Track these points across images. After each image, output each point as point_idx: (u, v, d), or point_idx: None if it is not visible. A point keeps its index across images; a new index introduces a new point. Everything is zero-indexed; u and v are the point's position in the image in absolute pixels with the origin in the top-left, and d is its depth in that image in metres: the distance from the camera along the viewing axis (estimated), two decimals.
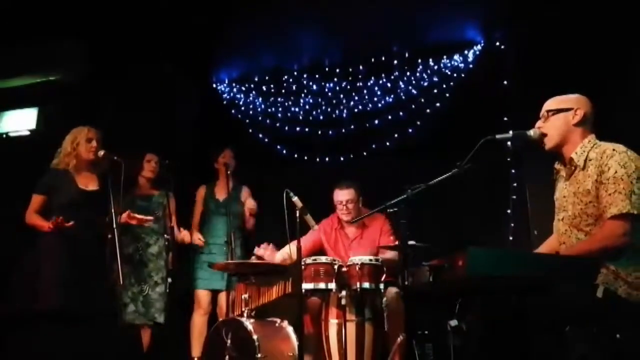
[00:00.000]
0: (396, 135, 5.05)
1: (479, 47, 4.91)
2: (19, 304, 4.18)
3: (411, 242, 2.95)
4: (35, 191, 3.74)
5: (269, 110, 5.51)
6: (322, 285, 3.47)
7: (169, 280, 4.06)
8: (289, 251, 3.70)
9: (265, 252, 3.83)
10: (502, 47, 4.79)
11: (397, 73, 5.11)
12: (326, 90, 5.35)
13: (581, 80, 3.52)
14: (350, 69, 5.29)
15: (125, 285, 3.90)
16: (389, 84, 5.13)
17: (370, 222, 4.05)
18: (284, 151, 5.42)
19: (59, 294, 3.48)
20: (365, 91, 5.21)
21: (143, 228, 4.21)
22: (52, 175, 3.77)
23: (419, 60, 5.06)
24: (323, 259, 3.59)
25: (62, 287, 3.49)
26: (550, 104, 2.57)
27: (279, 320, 3.68)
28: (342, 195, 4.00)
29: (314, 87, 5.40)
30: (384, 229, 4.02)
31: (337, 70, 5.35)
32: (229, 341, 3.43)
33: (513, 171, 4.62)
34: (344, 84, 5.30)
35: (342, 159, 5.22)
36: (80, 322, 3.46)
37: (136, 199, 4.32)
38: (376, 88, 5.17)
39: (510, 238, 4.50)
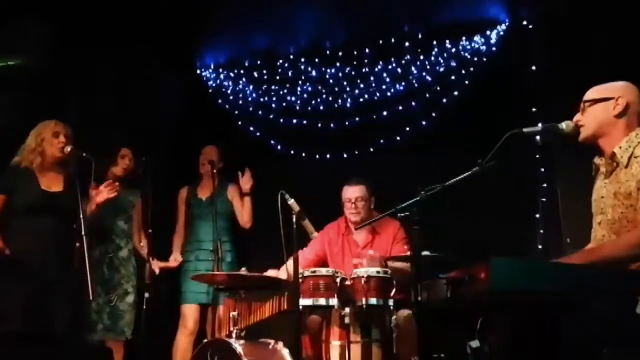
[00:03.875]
0: (408, 129, 5.06)
1: (503, 26, 4.91)
2: None
3: (425, 252, 2.94)
4: None
5: (262, 99, 5.51)
6: (322, 302, 3.46)
7: (147, 295, 4.07)
8: (288, 269, 3.68)
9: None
10: (530, 26, 4.80)
11: (408, 57, 5.11)
12: (327, 76, 5.36)
13: (622, 65, 3.52)
14: (355, 52, 5.30)
15: (95, 299, 3.89)
16: (399, 70, 5.13)
17: (382, 229, 4.06)
18: (279, 146, 5.42)
19: (17, 313, 3.47)
20: (372, 78, 5.21)
21: (113, 229, 4.25)
22: (12, 174, 3.77)
23: (434, 42, 5.06)
24: (323, 271, 3.58)
25: (19, 305, 3.48)
26: (589, 93, 2.56)
27: (272, 342, 3.68)
28: (352, 192, 4.03)
29: (313, 73, 5.41)
30: (398, 236, 4.03)
31: (340, 54, 5.35)
32: None
33: (542, 170, 4.62)
34: (347, 69, 5.30)
35: (345, 155, 5.22)
36: (41, 343, 3.45)
37: None
38: (385, 74, 5.17)
39: (539, 247, 4.50)
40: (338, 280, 3.50)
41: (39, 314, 3.50)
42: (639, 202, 2.32)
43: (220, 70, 5.71)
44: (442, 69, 5.00)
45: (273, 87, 5.49)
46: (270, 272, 3.86)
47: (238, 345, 3.45)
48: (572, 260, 2.34)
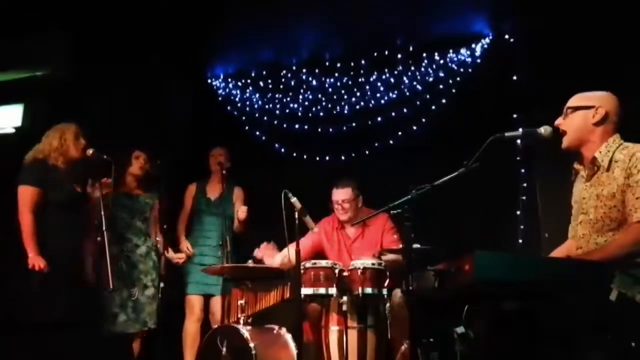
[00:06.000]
0: (400, 133, 5.05)
1: (487, 40, 4.90)
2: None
3: (415, 245, 2.94)
4: (27, 182, 3.59)
5: (267, 106, 5.51)
6: (322, 291, 3.47)
7: (162, 285, 4.07)
8: (287, 254, 3.70)
9: (265, 252, 3.82)
10: (512, 40, 4.79)
11: (400, 68, 5.11)
12: (326, 85, 5.35)
13: (599, 75, 3.50)
14: (352, 64, 5.29)
15: (117, 288, 3.87)
16: (392, 79, 5.13)
17: (371, 222, 4.07)
18: (282, 150, 5.42)
19: (41, 304, 3.47)
20: (367, 87, 5.21)
21: (130, 228, 4.23)
22: (43, 169, 3.65)
23: (424, 55, 5.05)
24: (323, 262, 3.59)
25: (44, 296, 3.47)
26: (572, 101, 2.56)
27: (277, 328, 3.69)
28: (338, 195, 4.05)
29: (314, 82, 5.40)
30: (387, 227, 4.05)
31: (338, 65, 5.35)
32: (224, 349, 3.44)
33: (523, 171, 4.61)
34: (345, 79, 5.30)
35: (343, 158, 5.22)
36: (63, 332, 3.45)
37: (120, 196, 4.24)
38: (379, 83, 5.17)
39: (520, 241, 4.50)
40: (337, 271, 3.52)
41: (67, 304, 3.50)
42: (627, 205, 2.32)
43: (229, 80, 5.71)
44: (431, 79, 5.00)
45: (277, 95, 5.49)
46: (259, 252, 3.83)
47: (245, 331, 3.47)
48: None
